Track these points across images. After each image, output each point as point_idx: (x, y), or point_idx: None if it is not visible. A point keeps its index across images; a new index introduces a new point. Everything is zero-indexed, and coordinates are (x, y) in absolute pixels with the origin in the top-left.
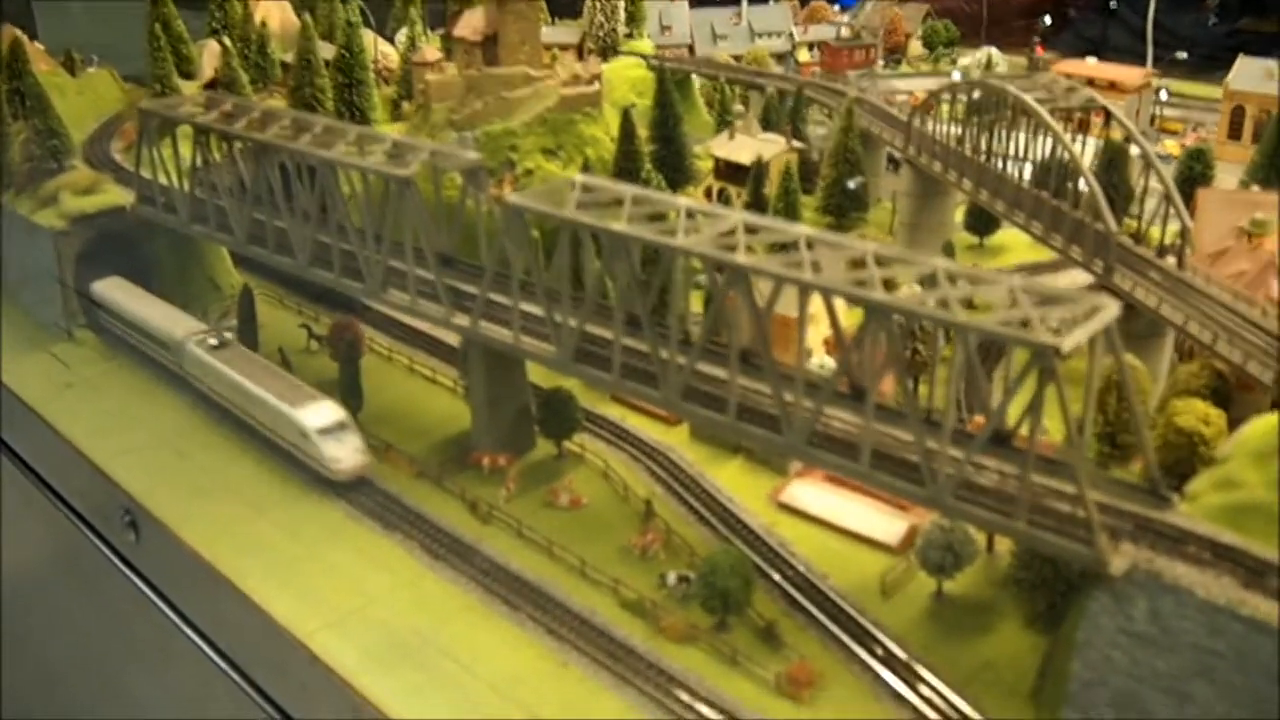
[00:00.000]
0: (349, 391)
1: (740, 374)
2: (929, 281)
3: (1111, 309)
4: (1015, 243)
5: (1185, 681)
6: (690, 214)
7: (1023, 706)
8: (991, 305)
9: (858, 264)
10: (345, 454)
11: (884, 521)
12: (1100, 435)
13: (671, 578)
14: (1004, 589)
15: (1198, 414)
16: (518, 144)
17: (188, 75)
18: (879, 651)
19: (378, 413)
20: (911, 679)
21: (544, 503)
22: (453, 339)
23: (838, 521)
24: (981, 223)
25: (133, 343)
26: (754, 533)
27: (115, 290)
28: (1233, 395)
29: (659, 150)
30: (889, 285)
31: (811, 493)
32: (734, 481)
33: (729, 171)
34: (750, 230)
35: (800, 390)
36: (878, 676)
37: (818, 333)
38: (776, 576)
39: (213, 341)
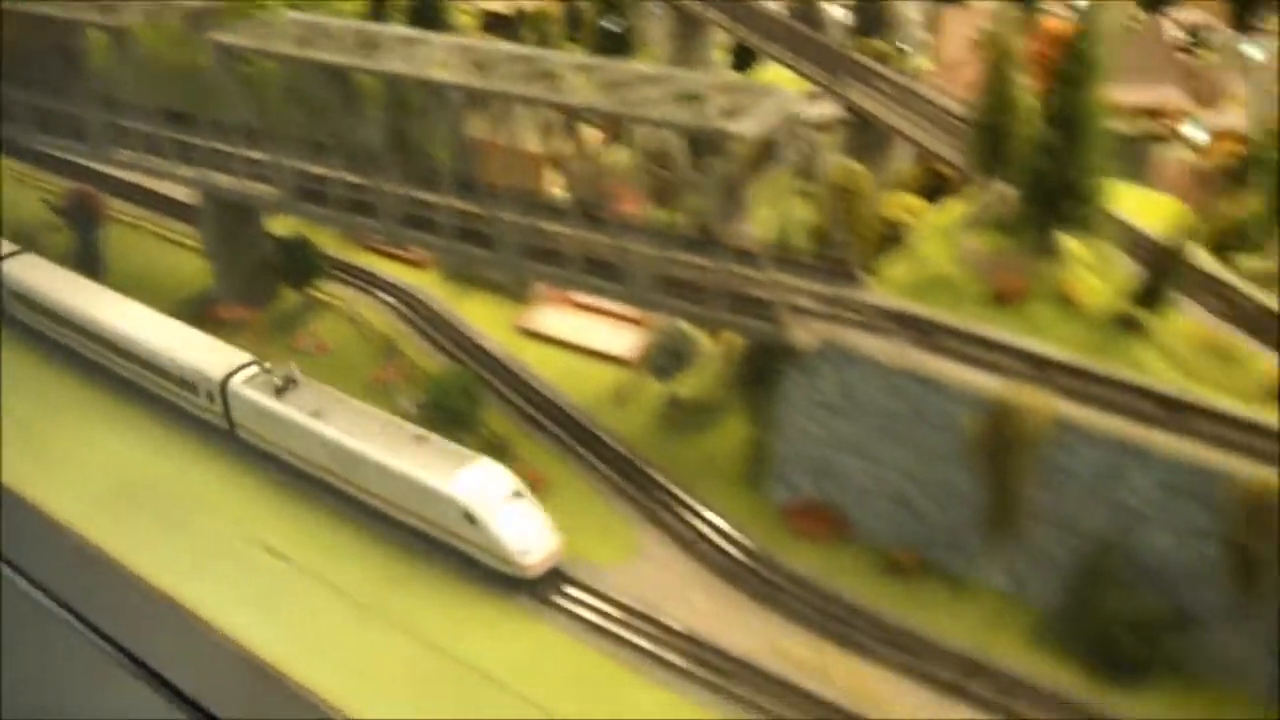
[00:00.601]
0: (88, 260)
1: (461, 199)
2: (620, 85)
3: (793, 101)
4: (779, 78)
5: (873, 444)
6: (407, 41)
7: (738, 489)
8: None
9: (554, 76)
10: (533, 540)
11: (619, 336)
12: (817, 233)
13: (406, 403)
14: (731, 389)
15: (903, 205)
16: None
17: None
18: (606, 455)
19: (123, 279)
20: (634, 476)
21: (290, 349)
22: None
23: (577, 341)
24: (743, 60)
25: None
26: (496, 359)
27: (79, 297)
28: (954, 192)
29: (413, 3)
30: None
31: (553, 317)
32: (480, 314)
33: (495, 23)
34: (465, 54)
35: (512, 207)
36: (603, 476)
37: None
38: (514, 396)
39: (277, 382)
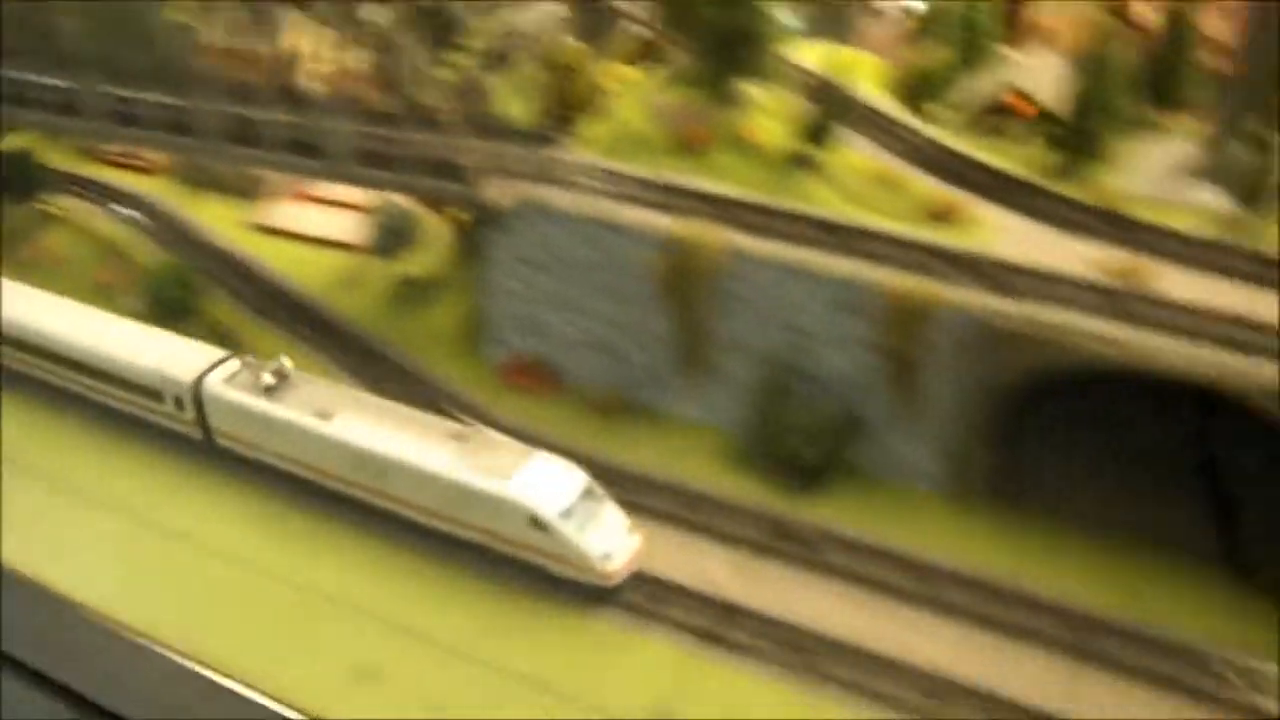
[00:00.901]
0: None
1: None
2: None
3: None
4: None
5: (574, 295)
6: None
7: (460, 355)
8: None
9: None
10: (614, 542)
11: (350, 224)
12: (530, 104)
13: (132, 302)
14: (458, 263)
15: (616, 75)
16: None
17: None
18: (336, 336)
19: None
20: (361, 353)
21: (18, 264)
22: None
23: (309, 231)
24: None
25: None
26: (226, 253)
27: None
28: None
29: None
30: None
31: (285, 211)
32: (212, 214)
33: None
34: None
35: (214, 97)
36: (333, 356)
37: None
38: (244, 288)
39: (267, 379)
